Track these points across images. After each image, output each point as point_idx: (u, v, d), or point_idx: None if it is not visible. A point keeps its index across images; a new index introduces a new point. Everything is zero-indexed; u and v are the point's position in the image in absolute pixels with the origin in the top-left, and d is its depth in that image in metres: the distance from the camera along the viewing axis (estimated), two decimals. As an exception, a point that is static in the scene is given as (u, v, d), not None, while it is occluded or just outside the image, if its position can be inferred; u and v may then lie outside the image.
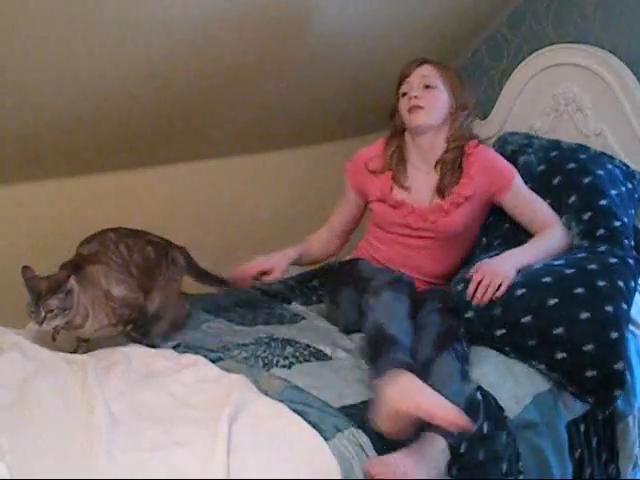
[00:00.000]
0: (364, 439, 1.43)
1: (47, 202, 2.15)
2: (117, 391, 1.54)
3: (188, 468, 1.29)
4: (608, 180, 2.05)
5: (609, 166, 2.11)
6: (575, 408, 1.73)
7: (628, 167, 2.17)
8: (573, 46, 2.35)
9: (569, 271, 1.78)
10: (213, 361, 1.67)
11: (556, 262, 1.85)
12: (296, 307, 2.14)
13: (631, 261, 1.87)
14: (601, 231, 1.95)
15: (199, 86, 2.12)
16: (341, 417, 1.47)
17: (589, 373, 1.67)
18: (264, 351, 1.76)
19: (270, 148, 2.66)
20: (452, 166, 2.00)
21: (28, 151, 1.98)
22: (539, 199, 2.03)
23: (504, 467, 1.57)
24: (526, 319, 1.72)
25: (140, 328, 1.79)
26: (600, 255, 1.86)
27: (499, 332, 1.76)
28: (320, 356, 1.77)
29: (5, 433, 1.36)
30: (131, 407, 1.49)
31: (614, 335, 1.68)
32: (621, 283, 1.77)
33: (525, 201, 2.02)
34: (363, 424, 1.46)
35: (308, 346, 1.81)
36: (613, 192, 2.03)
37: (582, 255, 1.88)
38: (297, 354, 1.76)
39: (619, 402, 1.78)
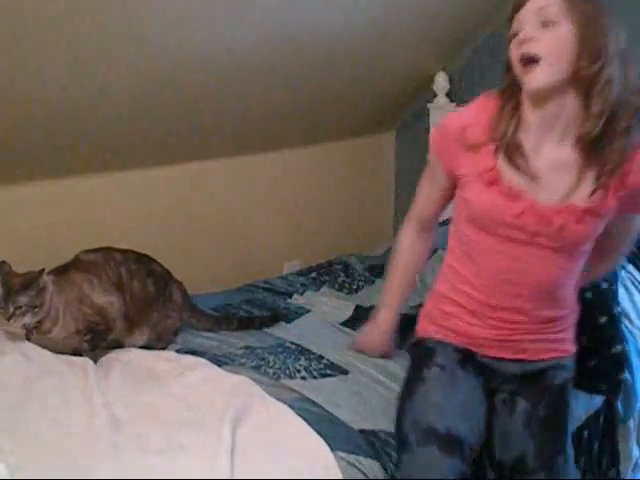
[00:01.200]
0: (375, 467, 1.39)
1: (47, 202, 2.14)
2: (119, 393, 1.55)
3: (192, 470, 1.29)
4: None
5: None
6: (579, 414, 1.71)
7: None
8: (573, 46, 2.33)
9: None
10: (218, 365, 1.65)
11: None
12: (297, 299, 2.23)
13: None
14: None
15: (203, 86, 2.12)
16: (358, 439, 1.44)
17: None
18: (275, 362, 1.72)
19: (276, 147, 2.67)
20: (618, 159, 1.33)
21: (28, 151, 1.98)
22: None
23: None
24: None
25: (96, 341, 1.74)
26: None
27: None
28: (335, 371, 1.69)
29: (7, 434, 1.37)
30: (133, 409, 1.49)
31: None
32: None
33: (629, 229, 1.53)
34: (378, 454, 1.41)
35: (322, 357, 1.76)
36: None
37: None
38: (311, 368, 1.69)
39: (620, 405, 1.80)
